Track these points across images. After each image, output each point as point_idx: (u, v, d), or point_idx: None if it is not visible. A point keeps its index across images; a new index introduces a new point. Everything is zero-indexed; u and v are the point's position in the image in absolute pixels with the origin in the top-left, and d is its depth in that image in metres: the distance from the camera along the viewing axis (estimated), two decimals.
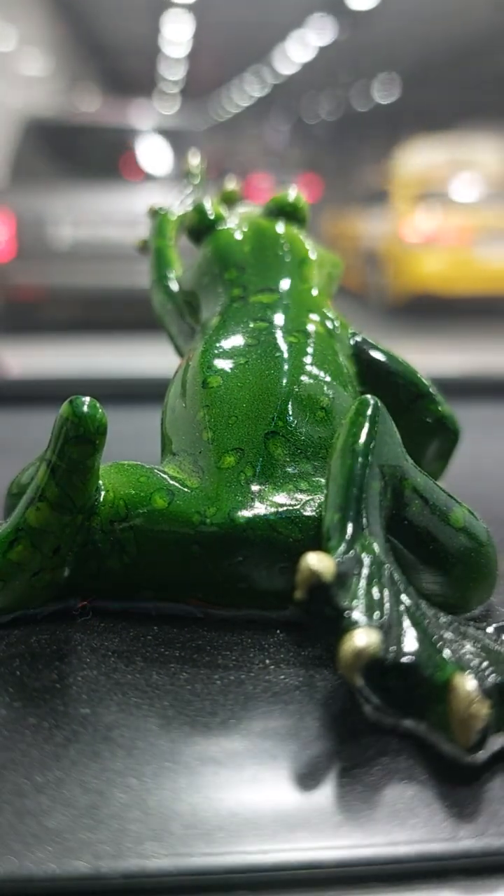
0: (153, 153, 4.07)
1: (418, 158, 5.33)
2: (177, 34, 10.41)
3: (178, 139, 4.07)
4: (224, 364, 0.36)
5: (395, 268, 4.63)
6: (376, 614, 0.26)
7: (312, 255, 0.43)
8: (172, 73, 13.68)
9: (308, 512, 0.32)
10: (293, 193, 0.46)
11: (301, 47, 10.82)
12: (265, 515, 0.32)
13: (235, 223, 0.45)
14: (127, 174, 4.04)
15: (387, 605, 0.27)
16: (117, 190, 3.81)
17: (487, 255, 4.45)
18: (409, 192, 4.92)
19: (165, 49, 11.62)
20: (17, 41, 7.19)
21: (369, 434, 0.30)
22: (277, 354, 0.36)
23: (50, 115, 4.67)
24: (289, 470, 0.33)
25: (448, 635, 0.27)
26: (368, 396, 0.31)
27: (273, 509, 0.32)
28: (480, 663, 0.26)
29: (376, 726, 0.26)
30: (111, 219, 3.63)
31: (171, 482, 0.33)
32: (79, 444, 0.30)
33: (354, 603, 0.26)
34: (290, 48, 11.08)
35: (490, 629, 0.29)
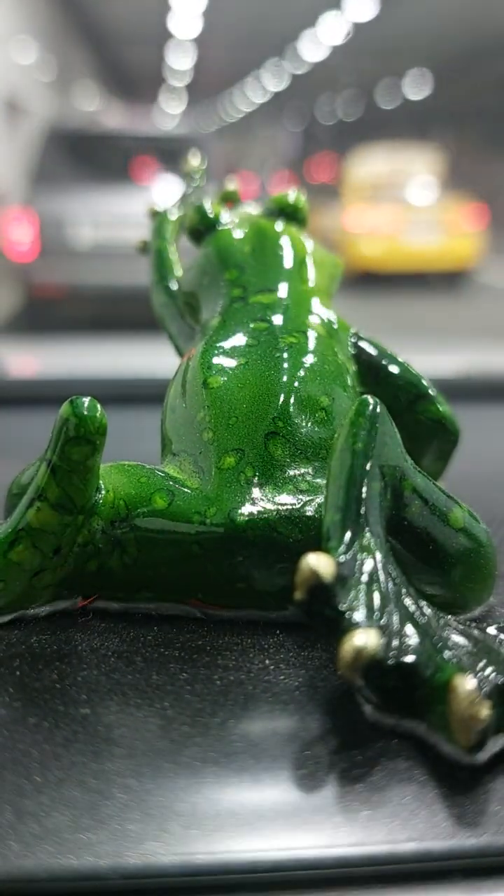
0: (165, 157, 4.22)
1: (363, 165, 7.09)
2: (186, 15, 10.10)
3: (188, 143, 4.22)
4: (224, 364, 0.36)
5: (341, 252, 5.98)
6: (376, 615, 0.26)
7: (312, 256, 0.43)
8: (180, 62, 13.31)
9: (308, 512, 0.32)
10: (293, 194, 0.46)
11: (332, 29, 10.63)
12: (265, 516, 0.32)
13: (235, 223, 0.45)
14: (141, 178, 4.23)
15: (387, 606, 0.27)
16: (132, 193, 3.96)
17: (413, 241, 5.97)
18: (354, 191, 6.59)
19: (173, 32, 11.21)
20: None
21: (369, 434, 0.30)
22: (277, 355, 0.36)
23: (70, 123, 5.00)
24: (289, 470, 0.33)
25: (448, 636, 0.27)
26: (368, 397, 0.31)
27: (273, 510, 0.32)
28: (480, 664, 0.26)
29: (376, 727, 0.26)
30: (127, 220, 3.74)
31: (172, 483, 0.33)
32: (79, 445, 0.30)
33: (354, 603, 0.26)
34: (319, 32, 10.84)
35: (490, 630, 0.29)
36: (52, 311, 4.08)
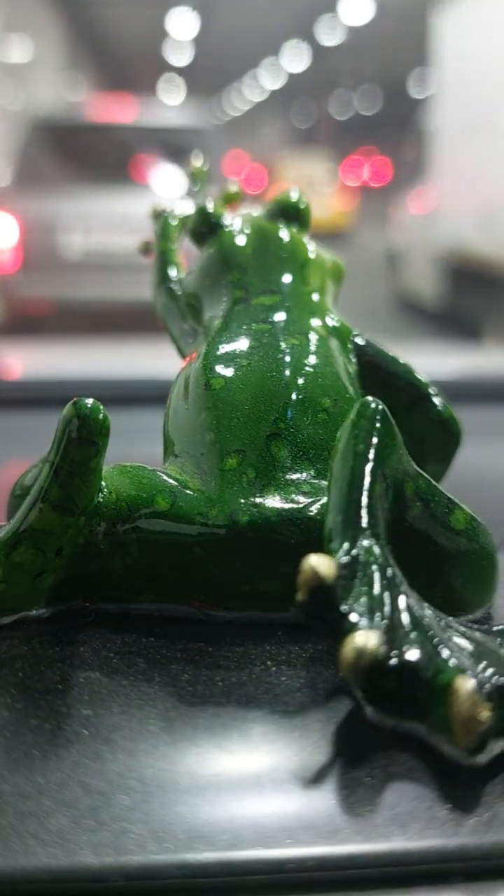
0: (168, 153, 3.71)
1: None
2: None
3: (193, 137, 3.79)
4: (226, 366, 0.36)
5: None
6: (377, 616, 0.26)
7: (314, 258, 0.43)
8: (182, 32, 12.76)
9: (310, 514, 0.32)
10: (295, 195, 0.46)
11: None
12: (267, 517, 0.32)
13: (238, 225, 0.45)
14: (140, 176, 3.76)
15: (388, 607, 0.27)
16: (131, 193, 3.52)
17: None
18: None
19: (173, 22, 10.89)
20: None
21: (371, 436, 0.30)
22: (279, 356, 0.36)
23: (57, 113, 4.39)
24: (291, 472, 0.33)
25: (449, 637, 0.27)
26: (370, 398, 0.31)
27: (275, 511, 0.32)
28: (481, 666, 0.26)
29: (377, 728, 0.26)
30: (126, 224, 3.25)
31: (174, 484, 0.33)
32: (81, 446, 0.30)
33: (356, 605, 0.26)
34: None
35: (491, 631, 0.29)
36: (38, 329, 3.45)
